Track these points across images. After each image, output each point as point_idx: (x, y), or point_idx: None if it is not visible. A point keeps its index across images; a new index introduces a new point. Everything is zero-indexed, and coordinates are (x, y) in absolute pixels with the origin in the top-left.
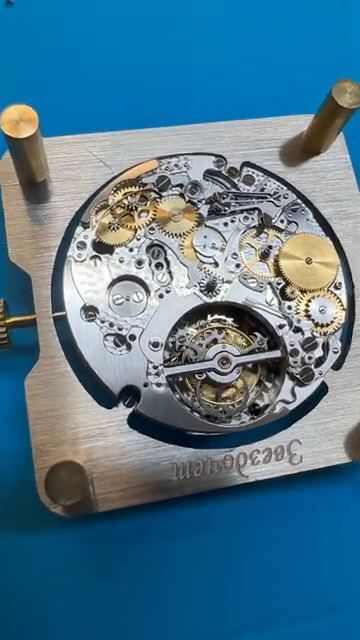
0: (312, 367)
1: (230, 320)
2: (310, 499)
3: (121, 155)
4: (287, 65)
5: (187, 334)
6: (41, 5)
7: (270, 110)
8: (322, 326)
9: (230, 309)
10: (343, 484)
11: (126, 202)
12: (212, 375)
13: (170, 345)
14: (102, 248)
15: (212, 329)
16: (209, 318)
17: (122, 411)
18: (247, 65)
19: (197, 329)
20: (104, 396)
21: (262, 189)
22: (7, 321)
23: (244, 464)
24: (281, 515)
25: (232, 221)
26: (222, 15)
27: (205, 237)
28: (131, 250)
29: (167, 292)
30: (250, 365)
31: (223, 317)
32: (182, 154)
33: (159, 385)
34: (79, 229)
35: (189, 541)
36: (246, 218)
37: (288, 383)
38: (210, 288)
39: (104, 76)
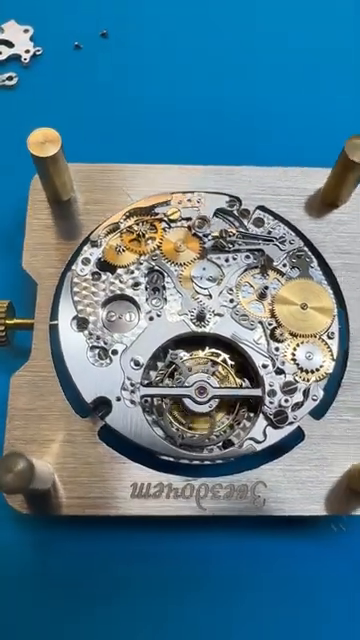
0: (287, 410)
1: (227, 356)
2: (272, 548)
3: (142, 186)
4: (316, 118)
5: (183, 355)
6: (101, 49)
7: (297, 160)
8: (306, 372)
9: (228, 346)
10: (308, 538)
11: (136, 228)
12: (187, 402)
13: (160, 358)
14: (105, 267)
15: (208, 360)
16: (207, 350)
17: (95, 422)
18: (278, 114)
19: (192, 357)
20: (82, 405)
21: (269, 232)
22: (8, 322)
23: (204, 496)
24: (237, 561)
25: (234, 258)
26: (255, 65)
27: (204, 269)
28: (132, 272)
29: (158, 316)
30: (232, 402)
31: (221, 353)
32: (198, 191)
33: (133, 402)
34: (87, 246)
35: (135, 568)
36: (248, 257)
37: (261, 423)
38: (200, 318)
39: (142, 113)
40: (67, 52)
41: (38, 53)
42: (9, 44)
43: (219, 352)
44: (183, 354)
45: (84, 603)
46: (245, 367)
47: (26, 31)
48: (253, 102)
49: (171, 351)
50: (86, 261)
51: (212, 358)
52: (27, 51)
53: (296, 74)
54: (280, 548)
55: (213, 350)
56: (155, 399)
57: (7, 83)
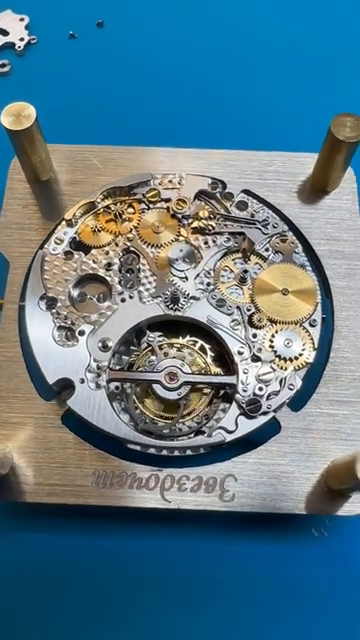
0: (261, 399)
1: (207, 347)
2: (245, 549)
3: (124, 168)
4: (307, 104)
5: (161, 340)
6: (96, 39)
7: (286, 146)
8: (284, 360)
9: (207, 334)
10: (285, 539)
11: (113, 208)
12: (156, 388)
13: (134, 343)
14: (79, 246)
15: (185, 347)
16: (187, 338)
17: (59, 406)
18: (268, 100)
19: (169, 342)
20: (47, 388)
21: (252, 215)
22: None
23: (169, 488)
24: (207, 560)
25: (214, 241)
26: (245, 52)
27: (181, 251)
28: (107, 253)
29: (130, 297)
30: (207, 394)
31: (200, 341)
32: (180, 173)
33: (98, 386)
34: (61, 226)
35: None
36: (228, 240)
37: (234, 411)
38: (174, 301)
39: (133, 100)
40: (62, 41)
41: (33, 42)
42: (4, 32)
43: (198, 340)
44: (162, 338)
45: (38, 593)
46: (224, 357)
47: (21, 20)
48: (244, 88)
49: (149, 333)
50: (59, 240)
51: (189, 345)
52: (21, 39)
53: (286, 60)
54: (254, 549)
55: (194, 339)
56: (127, 386)
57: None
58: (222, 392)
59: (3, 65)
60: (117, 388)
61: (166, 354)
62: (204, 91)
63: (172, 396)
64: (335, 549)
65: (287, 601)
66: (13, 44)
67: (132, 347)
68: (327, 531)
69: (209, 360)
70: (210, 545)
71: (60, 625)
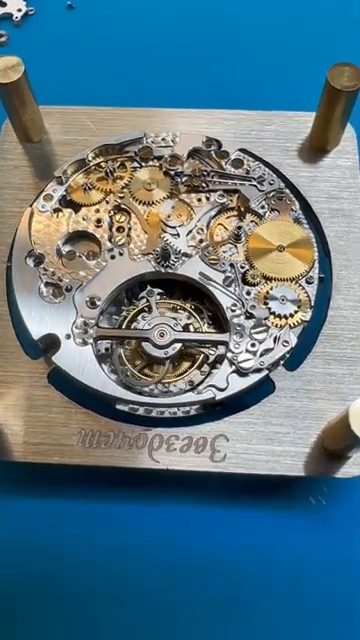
0: (254, 356)
1: (206, 311)
2: (240, 517)
3: (118, 128)
4: (306, 63)
5: (159, 297)
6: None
7: (287, 106)
8: (279, 317)
9: (204, 296)
10: (281, 507)
11: (104, 165)
12: (145, 346)
13: (124, 303)
14: (69, 204)
15: (183, 309)
16: (188, 301)
17: (46, 364)
18: (265, 58)
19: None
20: (34, 347)
21: (247, 172)
22: None
23: (158, 448)
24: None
25: (207, 198)
26: (242, 10)
27: (172, 208)
28: (97, 211)
29: (120, 254)
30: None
31: (196, 304)
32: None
33: (84, 342)
34: (52, 183)
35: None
36: (222, 197)
37: (225, 369)
38: (165, 257)
39: (129, 64)
40: (60, 12)
41: (31, 13)
42: (2, 4)
43: (193, 303)
44: (159, 297)
45: (26, 558)
46: (218, 320)
47: None
48: (243, 49)
49: (149, 287)
50: (48, 197)
51: (182, 305)
52: (19, 10)
53: (284, 20)
54: (250, 517)
55: (193, 302)
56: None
57: None
58: (212, 356)
59: (0, 36)
60: (107, 350)
61: (162, 313)
62: (201, 53)
63: (160, 354)
64: (333, 517)
65: (283, 569)
66: (11, 15)
67: (123, 307)
68: (325, 499)
69: (205, 327)
70: (205, 511)
71: (48, 589)
